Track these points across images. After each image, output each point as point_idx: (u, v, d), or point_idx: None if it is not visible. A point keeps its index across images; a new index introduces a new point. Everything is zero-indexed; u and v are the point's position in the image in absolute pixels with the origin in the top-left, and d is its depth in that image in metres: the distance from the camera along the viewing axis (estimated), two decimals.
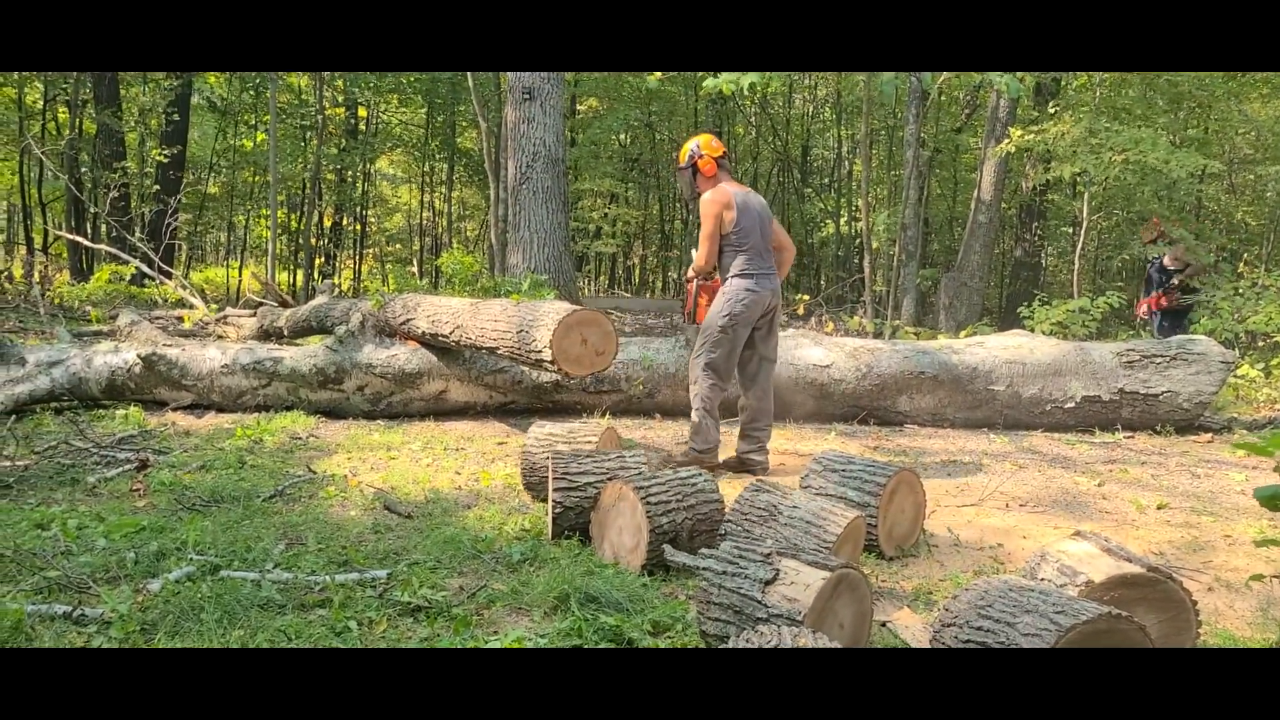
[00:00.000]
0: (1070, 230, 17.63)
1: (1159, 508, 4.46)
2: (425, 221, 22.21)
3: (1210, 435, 6.22)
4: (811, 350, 6.40)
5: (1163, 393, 6.17)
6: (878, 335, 9.45)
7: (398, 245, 22.85)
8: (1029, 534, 4.01)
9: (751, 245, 4.93)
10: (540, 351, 4.73)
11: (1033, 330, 8.88)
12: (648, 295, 21.03)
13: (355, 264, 20.44)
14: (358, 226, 20.50)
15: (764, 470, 5.10)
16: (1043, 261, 17.00)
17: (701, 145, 5.02)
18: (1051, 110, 11.47)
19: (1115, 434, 6.16)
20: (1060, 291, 15.92)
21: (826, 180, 21.60)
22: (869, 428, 6.25)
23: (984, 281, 13.26)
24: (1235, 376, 8.03)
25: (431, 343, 6.11)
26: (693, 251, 5.24)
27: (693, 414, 4.97)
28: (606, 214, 16.91)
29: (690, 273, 5.23)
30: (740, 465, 5.10)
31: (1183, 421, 6.24)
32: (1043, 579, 2.74)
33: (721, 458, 5.08)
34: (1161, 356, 6.24)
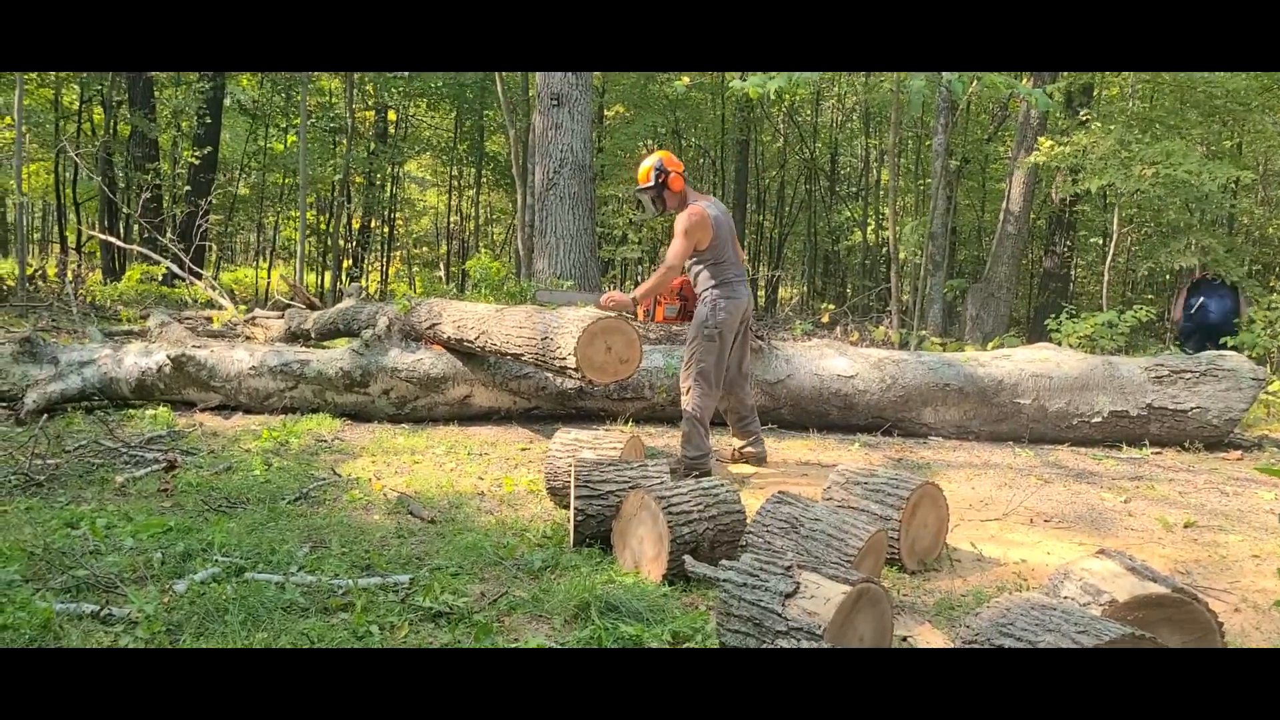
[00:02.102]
0: (1100, 242, 17.47)
1: (1186, 526, 4.41)
2: (452, 225, 22.33)
3: (1240, 453, 6.14)
4: (836, 360, 6.39)
5: (1192, 409, 6.11)
6: (903, 346, 9.40)
7: (425, 248, 22.99)
8: (1053, 550, 3.98)
9: (727, 256, 5.02)
10: (564, 359, 4.75)
11: (1060, 343, 8.81)
12: None
13: (382, 267, 20.58)
14: (385, 229, 20.65)
15: (763, 462, 5.31)
16: (1072, 273, 16.85)
17: (665, 161, 5.05)
18: (1083, 117, 11.37)
19: (1143, 450, 6.10)
20: (1089, 304, 15.78)
21: (854, 189, 21.54)
22: (893, 439, 6.22)
23: (1011, 293, 13.16)
24: (1266, 394, 7.92)
25: (456, 348, 6.15)
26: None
27: (684, 423, 5.04)
28: (632, 220, 16.91)
29: (627, 300, 5.05)
30: (743, 459, 5.19)
31: (1212, 438, 6.16)
32: (1066, 597, 2.72)
33: (715, 462, 5.17)
34: (1191, 372, 6.17)
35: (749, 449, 5.32)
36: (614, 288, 20.99)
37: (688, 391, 5.02)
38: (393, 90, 17.63)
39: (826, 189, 20.42)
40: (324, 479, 4.69)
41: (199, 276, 11.31)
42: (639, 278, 21.71)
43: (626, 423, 6.26)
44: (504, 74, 12.55)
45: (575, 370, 4.71)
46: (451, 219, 22.42)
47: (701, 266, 5.02)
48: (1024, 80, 11.16)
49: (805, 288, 22.19)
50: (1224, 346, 8.65)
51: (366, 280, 19.36)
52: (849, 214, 19.49)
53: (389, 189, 19.45)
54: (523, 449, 5.62)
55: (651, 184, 5.07)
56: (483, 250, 18.81)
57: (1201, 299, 10.03)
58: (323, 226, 19.36)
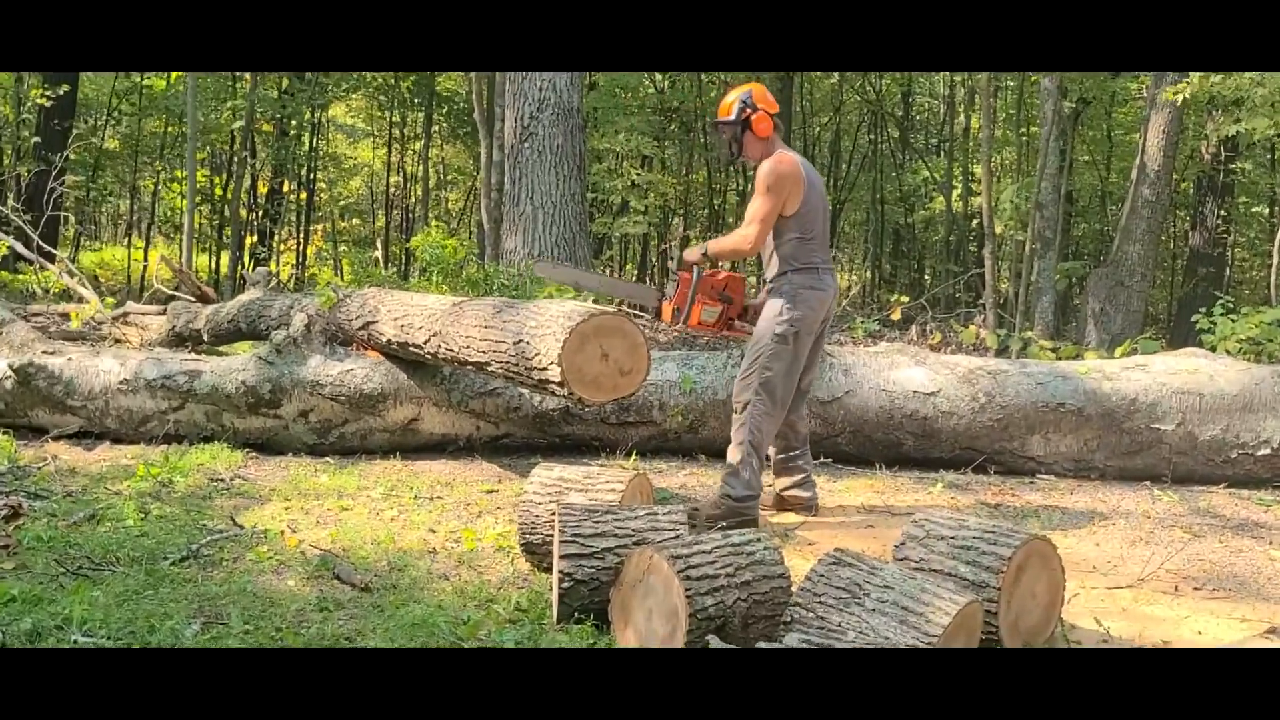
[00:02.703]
0: (1267, 212, 17.49)
1: None
2: (393, 190, 22.41)
3: None
4: (911, 372, 6.39)
5: None
6: (1001, 352, 9.40)
7: (356, 221, 23.09)
8: (1204, 629, 3.96)
9: (816, 233, 5.06)
10: (545, 369, 4.74)
11: (1214, 349, 8.80)
12: (641, 282, 21.03)
13: (299, 245, 20.66)
14: (303, 195, 20.73)
15: (814, 510, 5.30)
16: (1228, 254, 16.86)
17: (755, 96, 5.08)
18: None
19: None
20: (1253, 295, 15.78)
21: (934, 141, 21.59)
22: (987, 478, 6.20)
23: (1147, 280, 13.18)
24: None
25: (400, 354, 6.15)
26: (705, 243, 5.28)
27: (733, 449, 5.04)
28: (635, 183, 16.93)
29: (697, 254, 5.27)
30: (786, 506, 5.21)
31: None
32: None
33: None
34: None
35: (795, 492, 5.33)
36: (612, 273, 21.03)
37: (743, 408, 5.02)
38: None
39: (896, 141, 20.47)
40: (221, 532, 4.68)
41: (51, 258, 11.33)
42: (645, 260, 21.72)
43: (629, 456, 6.26)
44: None
45: (560, 385, 4.70)
46: (392, 181, 22.51)
47: (780, 242, 5.05)
48: None
49: (869, 273, 22.27)
50: None
51: (278, 263, 19.43)
52: (927, 174, 19.52)
53: (308, 141, 19.54)
54: (488, 491, 5.60)
55: (733, 118, 5.12)
56: (434, 223, 18.81)
57: None
58: (218, 192, 19.44)
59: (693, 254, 5.28)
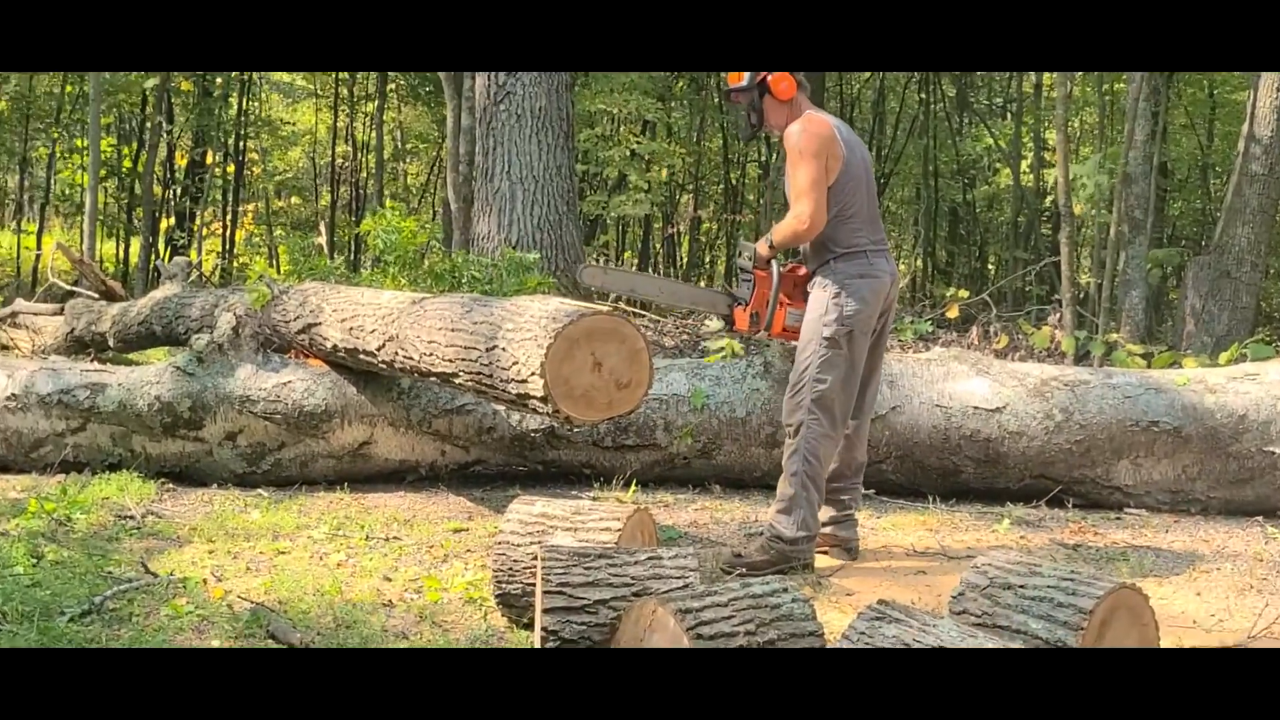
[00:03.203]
0: None
1: None
2: (340, 162, 22.41)
3: None
4: (971, 383, 6.39)
5: None
6: (1081, 358, 9.40)
7: (295, 200, 23.09)
8: None
9: (858, 208, 5.05)
10: (525, 381, 4.74)
11: None
12: (702, 284, 21.03)
13: (226, 231, 20.68)
14: (230, 168, 20.74)
15: (854, 553, 5.30)
16: None
17: None
18: None
19: None
20: None
21: (998, 101, 21.59)
22: (1064, 512, 6.20)
23: (1259, 270, 13.15)
24: None
25: (349, 363, 6.16)
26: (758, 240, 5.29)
27: (784, 481, 5.04)
28: (635, 153, 16.94)
29: (765, 248, 5.24)
30: (823, 547, 5.24)
31: None
32: None
33: None
34: None
35: (833, 530, 5.33)
36: (606, 263, 21.04)
37: (795, 431, 5.01)
38: None
39: (953, 102, 20.48)
40: (130, 581, 4.66)
41: None
42: (647, 246, 21.72)
43: (628, 486, 6.26)
44: None
45: (543, 401, 4.70)
46: (339, 151, 22.51)
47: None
48: None
49: (920, 262, 22.28)
50: None
51: (200, 252, 19.43)
52: (990, 142, 19.53)
53: (236, 102, 19.56)
54: (456, 530, 5.61)
55: (746, 83, 5.13)
56: (389, 203, 18.82)
57: None
58: (127, 165, 19.45)
59: (764, 248, 5.22)
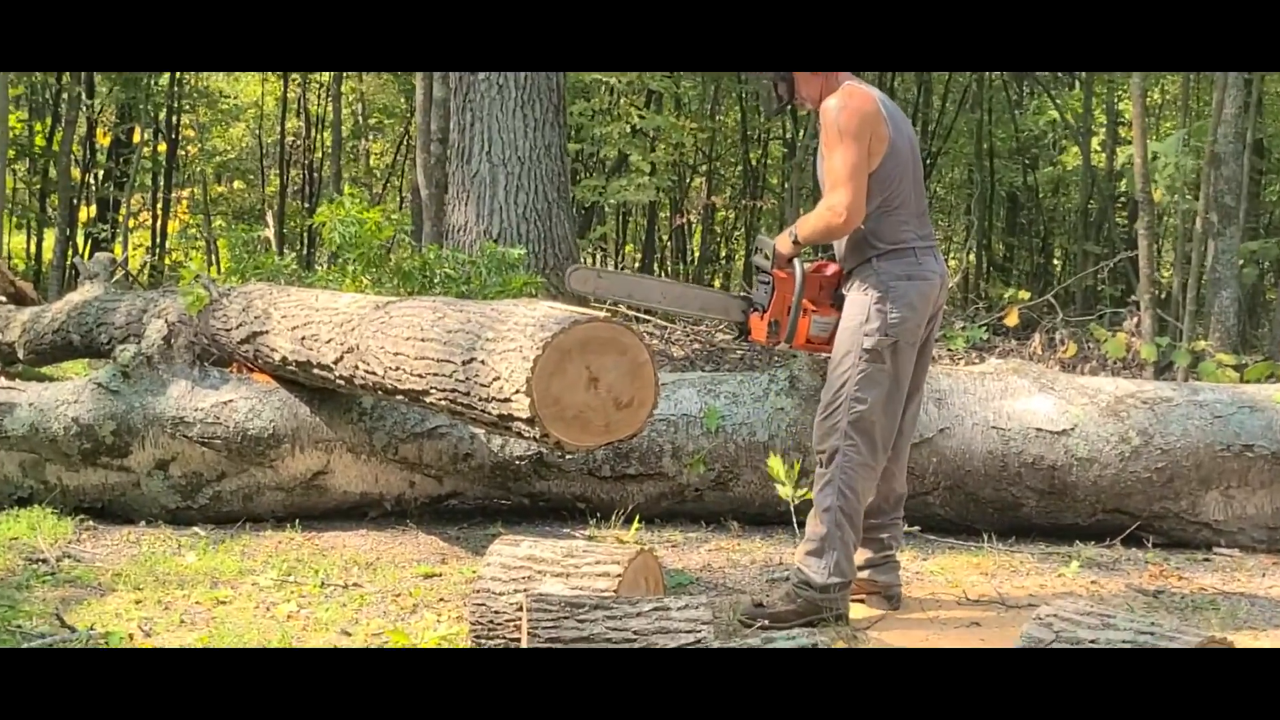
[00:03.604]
0: None
1: None
2: (291, 141, 22.41)
3: None
4: (1033, 401, 6.37)
5: None
6: (1163, 370, 9.39)
7: (238, 185, 23.08)
8: None
9: (904, 198, 5.00)
10: (509, 400, 4.73)
11: None
12: (715, 284, 21.00)
13: (156, 222, 20.68)
14: (162, 148, 20.74)
15: (896, 601, 5.28)
16: None
17: None
18: None
19: None
20: None
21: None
22: (1143, 553, 6.18)
23: None
24: None
25: (301, 379, 6.15)
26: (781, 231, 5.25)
27: (814, 519, 5.00)
28: (637, 129, 16.93)
29: (788, 243, 5.17)
30: (854, 592, 5.19)
31: None
32: None
33: None
34: None
35: (871, 575, 5.30)
36: (604, 260, 20.99)
37: (830, 458, 4.96)
38: None
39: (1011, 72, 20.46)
40: (43, 636, 4.65)
41: None
42: (652, 239, 21.68)
43: (630, 523, 6.25)
44: None
45: (529, 423, 4.69)
46: (290, 128, 22.50)
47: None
48: None
49: (972, 257, 22.26)
50: None
51: (126, 247, 19.42)
52: (1054, 115, 19.50)
53: (169, 73, 19.53)
54: (427, 575, 5.59)
55: None
56: (349, 189, 18.83)
57: None
58: (40, 143, 19.44)
59: (785, 244, 5.15)
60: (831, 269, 5.20)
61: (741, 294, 5.56)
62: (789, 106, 5.29)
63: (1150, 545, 6.28)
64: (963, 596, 5.52)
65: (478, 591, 4.41)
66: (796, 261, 5.15)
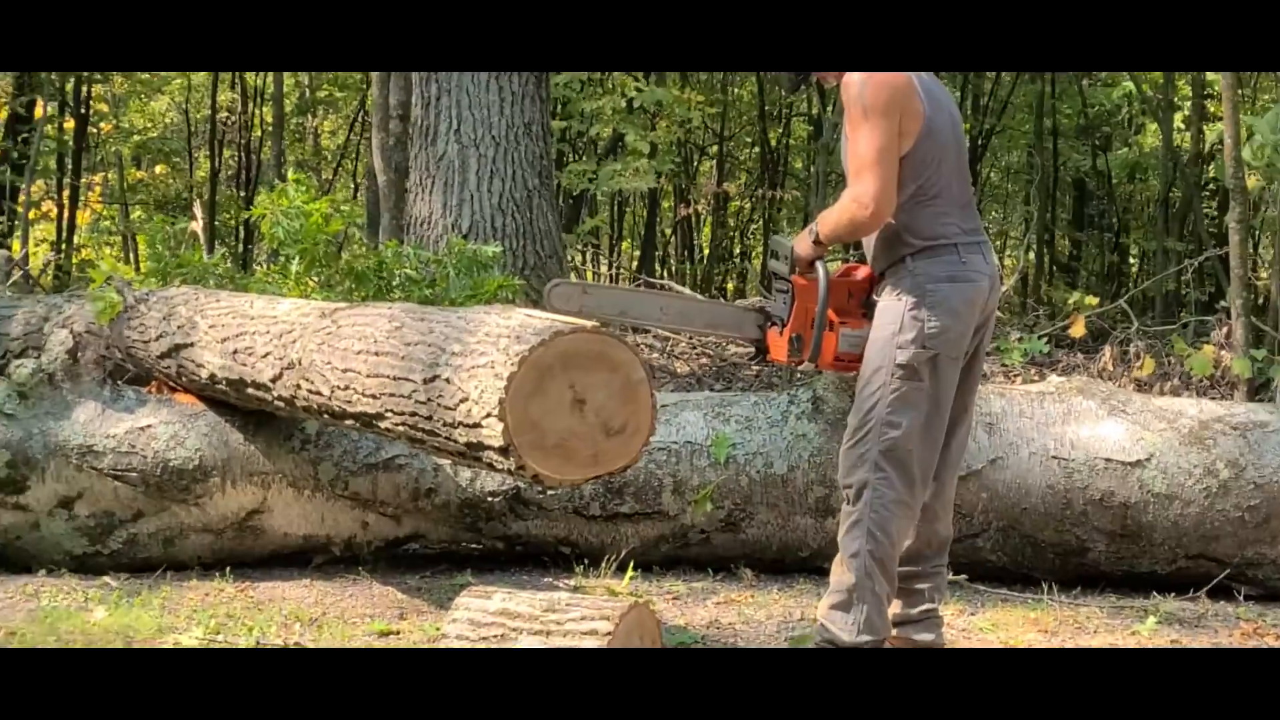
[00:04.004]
0: None
1: None
2: (225, 117, 22.47)
3: None
4: (1102, 426, 6.36)
5: None
6: (1257, 391, 9.38)
7: (160, 170, 23.12)
8: None
9: (942, 185, 4.99)
10: (478, 425, 4.71)
11: None
12: (729, 288, 21.02)
13: (63, 212, 20.72)
14: (70, 125, 20.78)
15: None
16: None
17: None
18: None
19: None
20: None
21: None
22: (1233, 606, 6.19)
23: None
24: None
25: (232, 399, 6.14)
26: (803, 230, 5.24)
27: (842, 564, 4.99)
28: (632, 103, 16.93)
29: (808, 244, 5.14)
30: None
31: None
32: None
33: None
34: None
35: (908, 632, 5.25)
36: (594, 261, 21.03)
37: (858, 494, 4.94)
38: None
39: None
40: None
41: None
42: (651, 234, 21.72)
43: (623, 571, 6.25)
44: None
45: (503, 453, 4.66)
46: (221, 101, 22.55)
47: (897, 206, 4.98)
48: None
49: (1031, 254, 22.28)
50: None
51: (25, 243, 19.40)
52: (1130, 87, 19.52)
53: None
54: (383, 633, 5.59)
55: None
56: (292, 175, 18.84)
57: None
58: None
59: (804, 244, 5.12)
60: (862, 273, 5.16)
61: (757, 305, 5.49)
62: (810, 80, 5.31)
63: (1242, 598, 6.28)
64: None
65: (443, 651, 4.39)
66: (820, 265, 5.10)
